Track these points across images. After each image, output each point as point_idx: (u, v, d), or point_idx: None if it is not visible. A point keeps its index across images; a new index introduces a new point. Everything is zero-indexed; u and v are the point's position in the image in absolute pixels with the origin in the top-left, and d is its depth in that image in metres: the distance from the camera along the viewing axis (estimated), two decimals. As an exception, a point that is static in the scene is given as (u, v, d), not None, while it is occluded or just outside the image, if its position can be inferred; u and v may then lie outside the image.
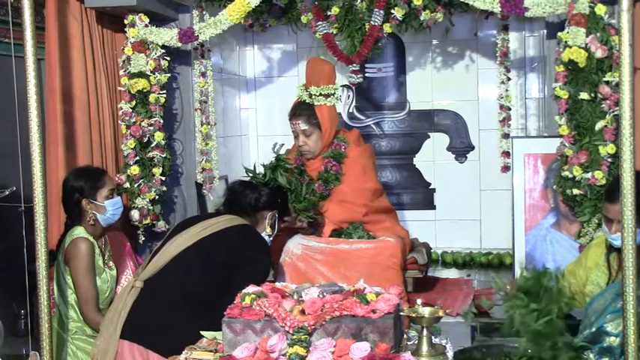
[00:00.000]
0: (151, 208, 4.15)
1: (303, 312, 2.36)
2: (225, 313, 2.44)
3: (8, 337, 3.12)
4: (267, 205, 3.27)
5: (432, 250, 4.48)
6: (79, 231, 3.27)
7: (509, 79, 4.77)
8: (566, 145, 3.62)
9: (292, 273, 3.68)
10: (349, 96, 5.63)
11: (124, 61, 4.14)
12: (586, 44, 3.49)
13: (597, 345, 2.62)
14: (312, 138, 3.91)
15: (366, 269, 3.60)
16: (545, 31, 4.62)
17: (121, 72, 4.16)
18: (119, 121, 4.16)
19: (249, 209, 3.23)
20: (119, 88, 4.20)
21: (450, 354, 2.51)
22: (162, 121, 4.17)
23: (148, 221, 4.16)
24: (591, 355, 2.63)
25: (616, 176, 3.26)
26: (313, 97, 3.88)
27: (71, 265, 3.23)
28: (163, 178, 4.20)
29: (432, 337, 2.50)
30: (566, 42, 3.54)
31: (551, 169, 4.01)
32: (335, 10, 4.16)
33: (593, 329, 2.65)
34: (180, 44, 4.16)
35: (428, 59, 5.58)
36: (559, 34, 3.60)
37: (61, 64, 3.79)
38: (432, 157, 5.63)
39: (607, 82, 3.49)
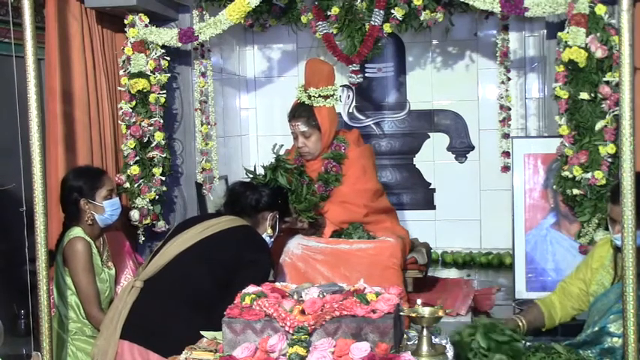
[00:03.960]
0: (151, 208, 4.15)
1: (303, 312, 2.36)
2: (225, 313, 2.44)
3: (8, 337, 3.12)
4: (267, 205, 3.27)
5: (432, 250, 4.48)
6: (76, 231, 3.27)
7: (509, 79, 4.78)
8: (566, 145, 3.62)
9: (292, 273, 3.68)
10: (349, 96, 5.63)
11: (124, 61, 4.14)
12: (586, 44, 3.49)
13: (598, 346, 2.62)
14: (311, 139, 3.90)
15: (366, 269, 3.59)
16: (545, 31, 4.62)
17: (121, 72, 4.16)
18: (119, 121, 4.16)
19: (249, 210, 3.23)
20: (119, 88, 4.20)
21: (450, 354, 2.51)
22: (162, 121, 4.17)
23: (147, 221, 4.16)
24: (592, 355, 2.63)
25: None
26: (312, 98, 3.88)
27: (69, 266, 3.24)
28: (163, 178, 4.20)
29: (432, 337, 2.50)
30: (566, 42, 3.54)
31: (551, 169, 4.01)
32: (335, 10, 4.16)
33: (596, 328, 2.65)
34: (180, 44, 4.16)
35: (428, 59, 5.58)
36: (559, 34, 3.60)
37: (61, 64, 3.79)
38: (432, 157, 5.63)
39: (607, 82, 3.49)
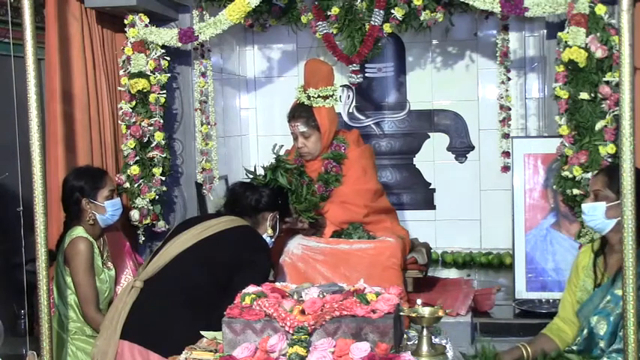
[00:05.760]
0: (151, 208, 4.15)
1: (303, 312, 2.36)
2: (225, 313, 2.44)
3: (8, 337, 3.11)
4: (268, 206, 3.26)
5: (432, 250, 4.48)
6: (79, 231, 3.27)
7: (509, 79, 4.78)
8: (566, 145, 3.62)
9: (292, 273, 3.68)
10: (349, 96, 5.63)
11: (124, 61, 4.14)
12: (586, 44, 3.49)
13: (592, 351, 2.62)
14: (311, 140, 3.90)
15: (366, 269, 3.59)
16: (545, 31, 4.63)
17: (121, 72, 4.16)
18: (119, 121, 4.16)
19: (249, 210, 3.23)
20: (119, 88, 4.20)
21: (450, 354, 2.51)
22: (162, 121, 4.17)
23: (147, 221, 4.16)
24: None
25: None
26: (312, 98, 3.88)
27: (71, 265, 3.23)
28: (163, 178, 4.20)
29: (432, 337, 2.50)
30: (566, 42, 3.54)
31: (551, 169, 4.01)
32: (335, 10, 4.16)
33: (584, 332, 2.65)
34: (180, 44, 4.16)
35: (428, 59, 5.58)
36: (559, 34, 3.60)
37: (61, 64, 3.79)
38: (432, 157, 5.63)
39: (607, 82, 3.49)
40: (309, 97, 3.89)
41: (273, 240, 3.29)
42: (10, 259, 3.60)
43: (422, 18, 4.06)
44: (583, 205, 2.78)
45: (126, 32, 4.12)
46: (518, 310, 3.94)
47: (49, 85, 3.79)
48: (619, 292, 2.35)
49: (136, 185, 4.10)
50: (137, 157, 4.11)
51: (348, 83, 4.83)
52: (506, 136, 4.72)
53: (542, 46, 5.06)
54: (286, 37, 5.37)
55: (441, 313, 2.47)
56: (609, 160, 3.50)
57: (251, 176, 3.51)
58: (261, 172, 3.50)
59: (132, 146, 4.09)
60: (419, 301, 2.56)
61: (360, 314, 2.34)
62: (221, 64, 5.23)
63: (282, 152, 3.68)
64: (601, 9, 3.49)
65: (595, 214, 2.69)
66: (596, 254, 2.77)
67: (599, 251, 2.76)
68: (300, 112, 3.90)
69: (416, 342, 2.49)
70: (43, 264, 2.24)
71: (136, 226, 4.17)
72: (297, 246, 3.74)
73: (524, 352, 2.76)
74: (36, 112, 2.19)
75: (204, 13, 4.39)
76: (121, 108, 4.11)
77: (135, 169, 4.08)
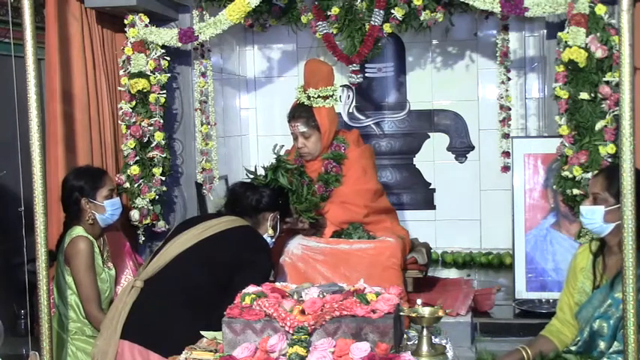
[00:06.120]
0: (151, 208, 4.15)
1: (303, 312, 2.36)
2: (225, 313, 2.44)
3: (8, 337, 3.12)
4: (268, 206, 3.26)
5: (432, 250, 4.48)
6: (78, 230, 3.27)
7: (509, 79, 4.78)
8: (566, 145, 3.62)
9: (292, 273, 3.68)
10: (349, 96, 5.63)
11: (124, 61, 4.14)
12: (586, 44, 3.49)
13: (593, 351, 2.62)
14: (311, 140, 3.90)
15: (366, 269, 3.59)
16: (545, 31, 4.63)
17: (121, 72, 4.16)
18: (119, 121, 4.16)
19: (250, 210, 3.22)
20: (119, 88, 4.20)
21: (450, 354, 2.51)
22: (162, 121, 4.17)
23: (147, 221, 4.16)
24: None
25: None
26: (312, 99, 3.88)
27: (72, 264, 3.23)
28: (163, 178, 4.20)
29: (432, 337, 2.50)
30: (566, 42, 3.54)
31: (551, 169, 4.02)
32: (335, 10, 4.16)
33: (585, 335, 2.65)
34: (180, 44, 4.16)
35: (428, 59, 5.58)
36: (559, 34, 3.60)
37: (61, 64, 3.79)
38: (432, 157, 5.63)
39: (607, 82, 3.49)
40: (309, 97, 3.89)
41: (273, 240, 3.29)
42: (11, 259, 3.61)
43: (422, 18, 4.06)
44: (581, 208, 2.76)
45: (126, 32, 4.12)
46: (518, 310, 3.94)
47: (49, 85, 3.79)
48: (619, 296, 2.34)
49: (136, 185, 4.10)
50: (137, 157, 4.11)
51: (348, 83, 4.83)
52: (506, 136, 4.72)
53: (542, 46, 5.06)
54: (286, 37, 5.37)
55: (441, 313, 2.47)
56: (609, 160, 3.50)
57: (251, 176, 3.51)
58: (261, 172, 3.50)
59: (132, 146, 4.09)
60: (419, 301, 2.56)
61: (360, 314, 2.34)
62: (221, 64, 5.23)
63: (282, 152, 3.68)
64: (601, 9, 3.49)
65: (593, 217, 2.68)
66: (595, 255, 2.76)
67: (598, 252, 2.76)
68: (300, 113, 3.90)
69: (416, 342, 2.49)
70: (43, 264, 2.24)
71: (136, 226, 4.17)
72: (297, 246, 3.74)
73: (525, 355, 2.75)
74: (36, 112, 2.19)
75: (204, 13, 4.39)
76: (121, 108, 4.12)
77: (135, 169, 4.08)
